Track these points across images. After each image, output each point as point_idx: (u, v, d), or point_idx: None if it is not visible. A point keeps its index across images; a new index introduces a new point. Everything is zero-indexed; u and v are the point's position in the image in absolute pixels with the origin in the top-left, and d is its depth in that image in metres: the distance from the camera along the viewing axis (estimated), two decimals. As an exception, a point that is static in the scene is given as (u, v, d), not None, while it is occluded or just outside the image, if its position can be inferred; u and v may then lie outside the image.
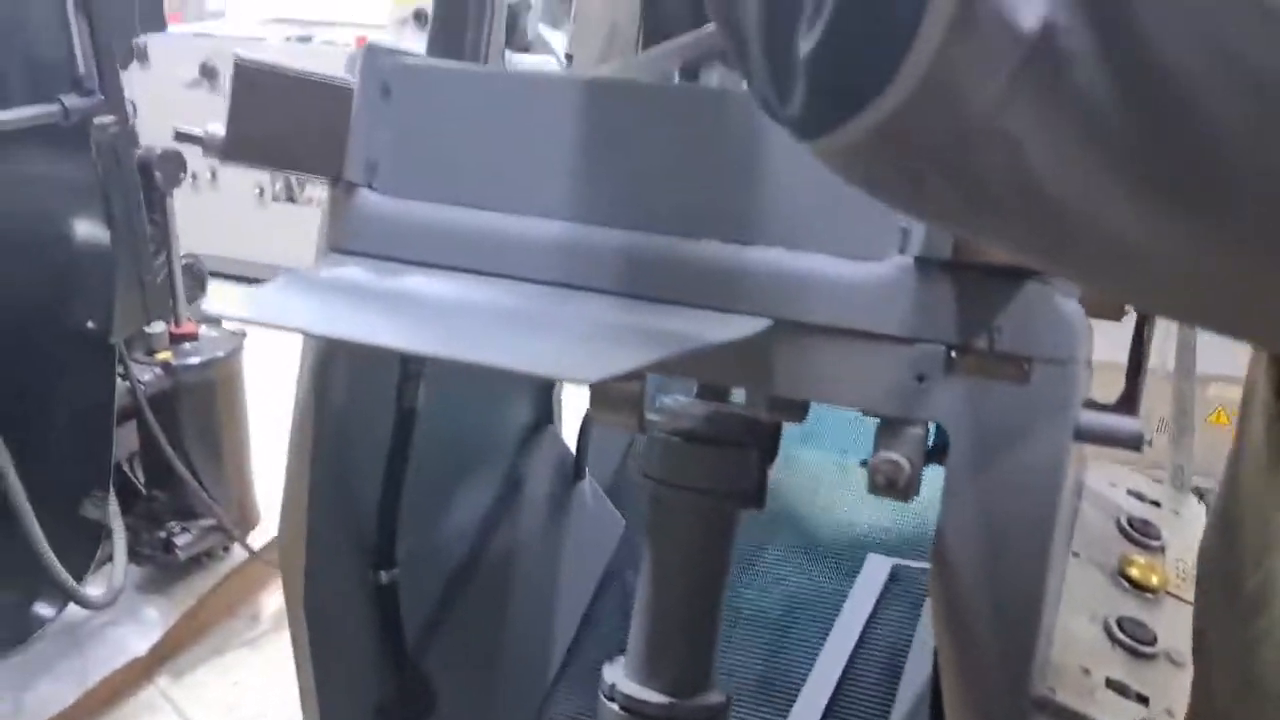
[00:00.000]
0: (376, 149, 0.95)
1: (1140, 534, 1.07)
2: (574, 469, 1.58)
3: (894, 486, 0.78)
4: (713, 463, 1.03)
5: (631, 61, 1.26)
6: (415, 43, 5.01)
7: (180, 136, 0.95)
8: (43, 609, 2.04)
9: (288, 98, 0.95)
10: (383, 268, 0.91)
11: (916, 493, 0.80)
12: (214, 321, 2.49)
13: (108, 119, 1.82)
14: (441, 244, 0.92)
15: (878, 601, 1.56)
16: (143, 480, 2.29)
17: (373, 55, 0.95)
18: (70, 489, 1.97)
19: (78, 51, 1.76)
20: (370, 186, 0.95)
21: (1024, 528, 0.80)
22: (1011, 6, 0.33)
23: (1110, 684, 0.88)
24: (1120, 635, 0.94)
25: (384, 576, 1.21)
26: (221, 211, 4.57)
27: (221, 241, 4.08)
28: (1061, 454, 0.79)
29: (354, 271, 0.90)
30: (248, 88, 0.93)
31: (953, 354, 0.77)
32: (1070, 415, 0.79)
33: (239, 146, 0.93)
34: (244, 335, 2.84)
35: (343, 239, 0.95)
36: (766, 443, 0.99)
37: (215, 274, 2.79)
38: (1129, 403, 0.88)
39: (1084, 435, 0.84)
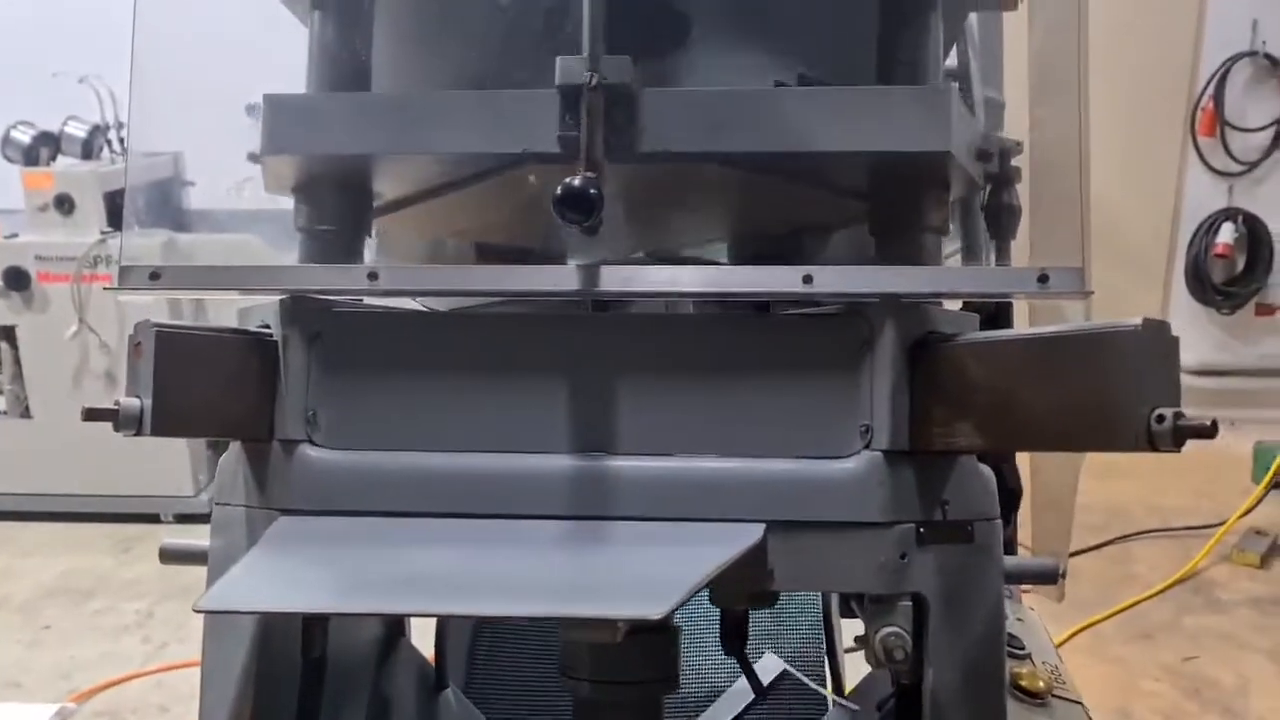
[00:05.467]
0: (313, 400, 0.93)
1: (1010, 646, 1.23)
2: (435, 679, 1.52)
3: (896, 658, 0.87)
4: (644, 654, 1.07)
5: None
6: (62, 232, 4.49)
7: (91, 414, 0.87)
8: None
9: (210, 359, 0.91)
10: (353, 525, 0.88)
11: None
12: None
13: None
14: (402, 492, 0.91)
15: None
16: None
17: (294, 305, 0.94)
18: None
19: None
20: (311, 441, 0.92)
21: (986, 657, 0.94)
22: None
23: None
24: (1038, 743, 1.08)
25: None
26: None
27: None
28: (1000, 592, 0.94)
29: (327, 532, 0.86)
30: (168, 354, 0.87)
31: (920, 530, 0.89)
32: (1000, 560, 0.94)
33: (166, 418, 0.87)
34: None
35: (289, 499, 0.91)
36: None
37: None
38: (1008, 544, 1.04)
39: (1010, 578, 0.99)
